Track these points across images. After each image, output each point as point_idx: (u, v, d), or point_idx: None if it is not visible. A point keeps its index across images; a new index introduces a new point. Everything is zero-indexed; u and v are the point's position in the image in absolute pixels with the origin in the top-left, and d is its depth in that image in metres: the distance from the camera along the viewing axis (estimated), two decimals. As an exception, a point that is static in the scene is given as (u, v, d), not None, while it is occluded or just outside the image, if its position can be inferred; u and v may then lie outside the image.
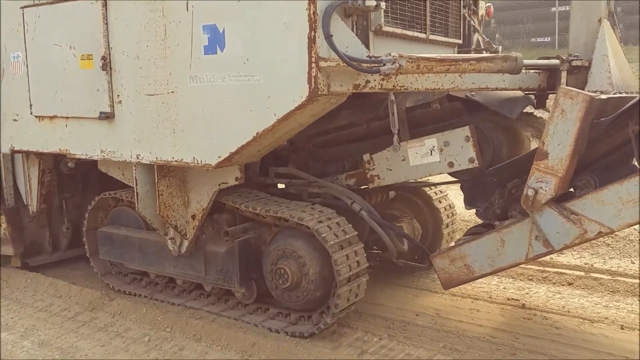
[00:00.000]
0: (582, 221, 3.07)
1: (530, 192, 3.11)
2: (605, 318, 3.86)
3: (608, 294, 4.30)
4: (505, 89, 3.45)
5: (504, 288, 4.46)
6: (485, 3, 4.88)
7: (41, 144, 4.37)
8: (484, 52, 4.52)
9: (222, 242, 3.93)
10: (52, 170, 4.95)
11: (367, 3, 2.99)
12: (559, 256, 5.01)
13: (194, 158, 3.49)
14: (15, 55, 4.38)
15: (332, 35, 2.86)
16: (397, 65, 2.87)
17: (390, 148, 3.73)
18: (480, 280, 4.47)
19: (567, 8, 16.08)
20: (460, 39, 4.42)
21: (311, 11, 2.90)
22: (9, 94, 4.51)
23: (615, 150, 3.17)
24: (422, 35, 3.84)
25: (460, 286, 3.95)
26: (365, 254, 3.64)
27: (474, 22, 4.53)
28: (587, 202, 3.06)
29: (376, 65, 2.88)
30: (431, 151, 3.59)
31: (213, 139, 3.38)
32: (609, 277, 4.54)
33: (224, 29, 3.22)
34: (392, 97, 3.62)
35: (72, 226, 5.41)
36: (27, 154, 4.73)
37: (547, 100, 3.64)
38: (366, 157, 3.87)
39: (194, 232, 3.92)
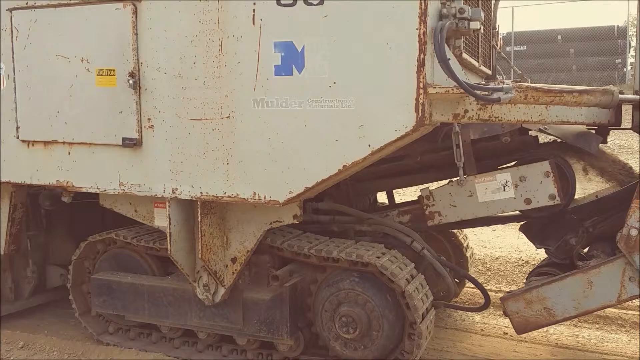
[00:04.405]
0: (684, 263, 2.97)
1: (633, 232, 2.97)
2: None
3: None
4: (582, 124, 3.33)
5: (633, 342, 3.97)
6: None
7: (30, 175, 3.63)
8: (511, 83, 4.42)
9: (263, 287, 3.45)
10: (25, 205, 4.18)
11: (472, 25, 2.75)
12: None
13: (255, 193, 3.01)
14: (-5, 67, 3.64)
15: (449, 59, 2.58)
16: (513, 94, 2.65)
17: (454, 182, 3.48)
18: (602, 335, 4.11)
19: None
20: (489, 68, 4.30)
21: (421, 31, 2.59)
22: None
23: None
24: (476, 64, 3.66)
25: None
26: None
27: (502, 52, 4.45)
28: (690, 242, 2.96)
29: (497, 93, 2.62)
30: (504, 187, 3.36)
31: (283, 171, 2.93)
32: None
33: (303, 47, 2.81)
34: (457, 129, 3.39)
35: (37, 269, 4.59)
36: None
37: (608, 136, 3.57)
38: (425, 192, 3.57)
39: (233, 277, 3.39)
